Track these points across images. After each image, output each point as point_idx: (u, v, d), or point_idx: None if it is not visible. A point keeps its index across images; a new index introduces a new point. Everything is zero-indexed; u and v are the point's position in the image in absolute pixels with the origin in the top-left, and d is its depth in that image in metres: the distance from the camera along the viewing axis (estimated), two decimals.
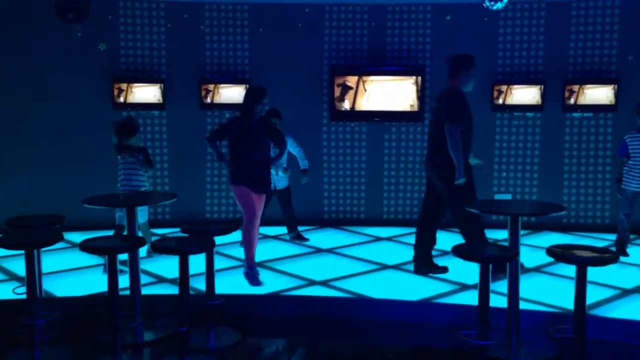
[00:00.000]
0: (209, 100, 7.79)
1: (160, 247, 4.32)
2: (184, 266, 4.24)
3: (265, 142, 5.61)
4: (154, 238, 5.67)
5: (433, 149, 5.64)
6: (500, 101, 7.64)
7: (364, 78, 7.72)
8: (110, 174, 6.47)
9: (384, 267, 6.13)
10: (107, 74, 7.62)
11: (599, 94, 7.41)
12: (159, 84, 7.71)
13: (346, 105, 7.77)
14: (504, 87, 7.61)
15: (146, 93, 7.69)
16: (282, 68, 7.84)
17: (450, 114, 5.41)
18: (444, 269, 5.87)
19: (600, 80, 7.44)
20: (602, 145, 7.60)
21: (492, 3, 6.08)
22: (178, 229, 6.16)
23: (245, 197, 5.55)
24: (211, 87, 7.77)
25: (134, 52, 7.75)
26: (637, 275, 5.76)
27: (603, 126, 7.62)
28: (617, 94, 7.36)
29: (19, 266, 5.59)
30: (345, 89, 7.75)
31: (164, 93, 7.71)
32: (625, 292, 5.32)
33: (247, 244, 5.62)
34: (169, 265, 5.83)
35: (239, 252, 6.64)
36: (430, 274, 5.80)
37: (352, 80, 7.74)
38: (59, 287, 5.46)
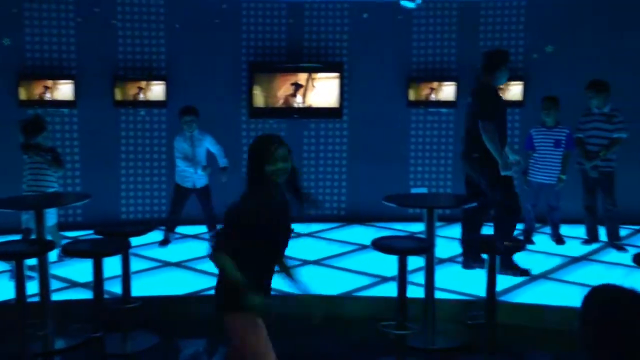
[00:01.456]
0: (122, 97, 7.57)
1: (73, 251, 4.16)
2: (97, 269, 4.11)
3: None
4: (65, 241, 5.45)
5: (470, 144, 5.55)
6: (415, 97, 7.84)
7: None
8: (15, 174, 6.13)
9: (305, 262, 6.16)
10: (12, 70, 7.25)
11: (507, 91, 7.75)
12: (69, 81, 7.41)
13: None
14: (420, 84, 7.81)
15: (56, 90, 7.38)
16: (200, 65, 7.72)
17: (483, 111, 5.38)
18: (525, 272, 5.72)
19: (509, 78, 7.74)
20: (509, 140, 7.91)
21: (407, 2, 6.22)
22: (91, 231, 5.95)
23: (256, 329, 3.00)
24: (128, 84, 7.55)
25: (41, 47, 7.40)
26: (543, 262, 6.07)
27: (510, 121, 7.94)
28: (525, 91, 7.72)
29: None
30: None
31: (75, 90, 7.42)
32: (532, 278, 5.60)
33: None
34: (82, 269, 5.62)
35: (156, 253, 6.50)
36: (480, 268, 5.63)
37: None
38: None
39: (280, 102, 7.81)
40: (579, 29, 7.51)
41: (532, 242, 6.67)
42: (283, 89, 7.78)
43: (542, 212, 6.84)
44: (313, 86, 7.77)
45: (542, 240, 6.83)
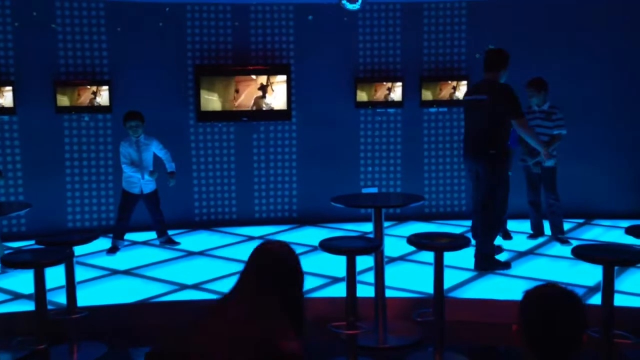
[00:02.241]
0: (64, 103, 7.38)
1: (13, 262, 4.03)
2: (39, 280, 3.99)
3: None
4: (7, 252, 5.28)
5: (484, 141, 5.59)
6: (363, 98, 7.91)
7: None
8: None
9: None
10: None
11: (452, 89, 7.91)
12: (8, 87, 7.18)
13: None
14: (367, 85, 7.88)
15: None
16: (145, 68, 7.59)
17: (515, 108, 5.60)
18: (507, 265, 5.82)
19: (452, 77, 7.92)
20: (456, 138, 8.09)
21: (348, 3, 6.26)
22: (33, 241, 5.78)
23: None
24: (70, 89, 7.37)
25: None
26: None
27: (457, 120, 8.10)
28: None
29: None
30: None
31: (14, 96, 7.19)
32: (479, 274, 5.71)
33: None
34: (26, 281, 5.45)
35: (103, 261, 6.36)
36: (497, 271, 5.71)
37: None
38: None
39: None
40: (519, 28, 7.71)
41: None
42: (233, 92, 7.73)
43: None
44: (272, 90, 7.78)
45: None
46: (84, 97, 7.44)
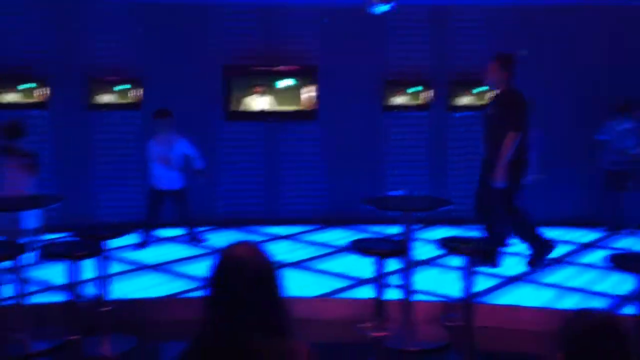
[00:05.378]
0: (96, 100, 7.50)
1: (50, 253, 4.11)
2: (73, 272, 4.05)
3: None
4: (41, 244, 5.38)
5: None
6: (391, 102, 7.90)
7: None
8: None
9: (283, 265, 6.16)
10: None
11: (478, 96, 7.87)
12: (42, 82, 7.30)
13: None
14: (395, 88, 7.87)
15: (25, 91, 7.27)
16: (176, 68, 7.66)
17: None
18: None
19: (481, 82, 7.86)
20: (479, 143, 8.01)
21: (376, 6, 6.22)
22: (67, 234, 5.88)
23: None
24: (102, 86, 7.47)
25: (13, 47, 7.29)
26: (518, 264, 6.16)
27: (477, 124, 8.03)
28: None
29: None
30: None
31: (47, 92, 7.31)
32: (508, 280, 5.68)
33: None
34: (59, 272, 5.53)
35: (134, 256, 6.45)
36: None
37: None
38: None
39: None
40: (544, 33, 7.66)
41: (507, 245, 6.75)
42: (261, 92, 7.78)
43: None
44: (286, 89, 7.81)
45: (518, 242, 6.91)
46: (115, 95, 7.53)
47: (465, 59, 7.93)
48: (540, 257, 5.79)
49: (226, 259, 1.91)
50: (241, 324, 1.83)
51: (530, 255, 5.83)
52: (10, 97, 7.24)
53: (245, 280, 1.85)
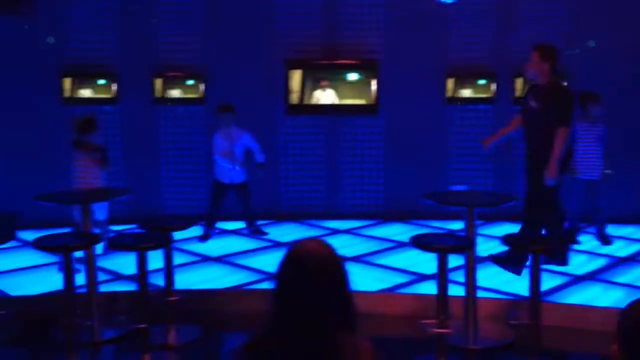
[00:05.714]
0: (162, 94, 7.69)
1: (118, 244, 4.24)
2: (142, 262, 4.18)
3: None
4: (110, 235, 5.57)
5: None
6: (453, 94, 7.77)
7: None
8: (66, 170, 6.28)
9: (343, 259, 6.15)
10: (55, 69, 7.42)
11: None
12: (110, 78, 7.55)
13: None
14: (458, 81, 7.73)
15: (97, 87, 7.53)
16: (237, 62, 7.77)
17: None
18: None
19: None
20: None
21: None
22: (134, 225, 6.07)
23: None
24: (168, 80, 7.66)
25: (85, 46, 7.55)
26: (588, 262, 5.96)
27: None
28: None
29: None
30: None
31: (117, 87, 7.55)
32: (577, 279, 5.50)
33: None
34: (126, 262, 5.73)
35: (198, 248, 6.59)
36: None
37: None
38: (13, 286, 5.31)
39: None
40: (621, 23, 7.34)
41: (577, 242, 6.55)
42: (323, 85, 7.79)
43: (588, 211, 6.71)
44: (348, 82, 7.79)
45: (587, 240, 6.70)
46: (180, 89, 7.71)
47: (531, 49, 7.69)
48: (507, 265, 5.34)
49: (295, 255, 1.89)
50: (310, 320, 1.83)
51: (506, 254, 5.39)
52: (84, 93, 7.51)
53: (314, 276, 1.83)
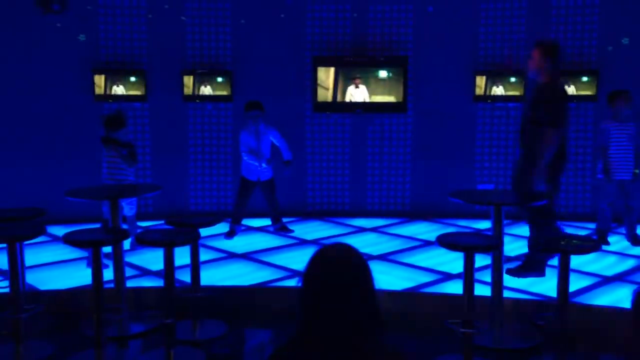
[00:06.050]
0: (190, 92, 7.76)
1: (146, 240, 4.29)
2: (169, 258, 4.22)
3: None
4: (138, 231, 5.63)
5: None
6: (482, 92, 7.69)
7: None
8: (96, 166, 6.39)
9: (369, 258, 6.15)
10: (87, 65, 7.54)
11: (581, 85, 7.50)
12: (140, 76, 7.64)
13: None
14: (487, 78, 7.65)
15: (129, 84, 7.63)
16: (265, 59, 7.81)
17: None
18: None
19: (581, 72, 7.51)
20: (582, 135, 7.69)
21: None
22: (162, 222, 6.13)
23: None
24: (196, 78, 7.72)
25: (115, 44, 7.66)
26: (618, 263, 5.86)
27: (584, 116, 7.71)
28: (598, 85, 7.45)
29: (1, 260, 5.52)
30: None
31: (146, 84, 7.65)
32: (606, 280, 5.41)
33: None
34: (153, 258, 5.80)
35: (224, 244, 6.64)
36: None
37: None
38: (42, 280, 5.41)
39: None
40: None
41: (607, 243, 6.44)
42: (350, 83, 7.78)
43: (619, 212, 6.60)
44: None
45: (617, 240, 6.58)
46: (208, 87, 7.77)
47: (564, 47, 7.58)
48: (527, 271, 5.23)
49: (321, 259, 1.86)
50: (336, 327, 1.81)
51: (523, 261, 5.33)
52: (116, 90, 7.62)
53: (341, 281, 1.81)
